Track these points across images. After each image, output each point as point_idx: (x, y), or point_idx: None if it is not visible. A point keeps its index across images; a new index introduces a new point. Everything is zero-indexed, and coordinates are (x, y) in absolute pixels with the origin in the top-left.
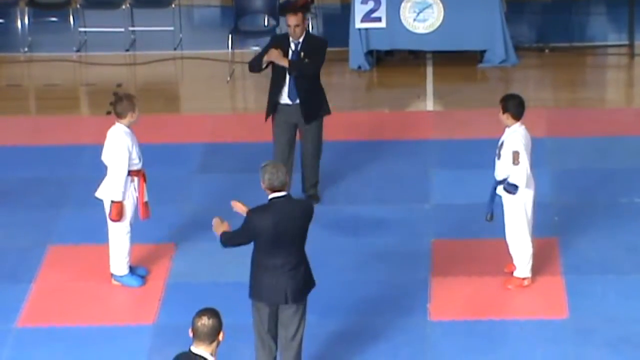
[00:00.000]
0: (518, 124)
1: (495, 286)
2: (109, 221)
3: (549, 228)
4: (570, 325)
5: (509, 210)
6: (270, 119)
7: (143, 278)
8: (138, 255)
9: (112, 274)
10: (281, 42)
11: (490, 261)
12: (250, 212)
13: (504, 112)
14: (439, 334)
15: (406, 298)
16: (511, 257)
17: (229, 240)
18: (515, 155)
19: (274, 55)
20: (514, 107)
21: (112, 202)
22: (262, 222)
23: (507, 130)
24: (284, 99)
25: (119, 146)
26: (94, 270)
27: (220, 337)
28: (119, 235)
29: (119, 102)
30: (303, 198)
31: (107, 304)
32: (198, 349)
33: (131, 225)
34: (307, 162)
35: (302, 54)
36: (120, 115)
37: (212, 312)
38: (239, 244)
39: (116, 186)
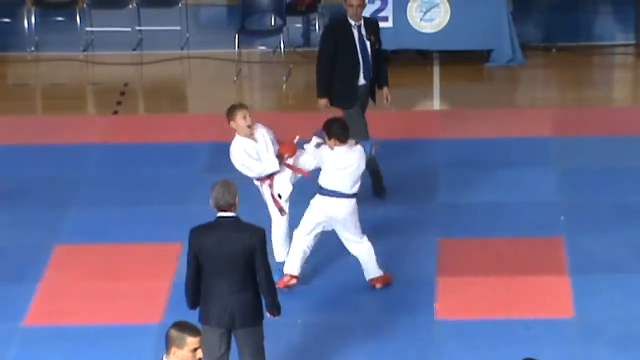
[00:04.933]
0: (342, 147)
1: (501, 285)
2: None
3: (556, 227)
4: (577, 324)
5: None
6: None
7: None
8: (145, 255)
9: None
10: (342, 30)
11: (497, 260)
12: (192, 231)
13: (329, 138)
14: (445, 332)
15: (412, 297)
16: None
17: (187, 274)
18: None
19: None
20: (339, 129)
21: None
22: (203, 239)
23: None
24: (361, 80)
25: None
26: (100, 270)
27: (172, 352)
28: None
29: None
30: (254, 224)
31: (113, 303)
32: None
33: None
34: None
35: (372, 37)
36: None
37: (175, 324)
38: (192, 271)
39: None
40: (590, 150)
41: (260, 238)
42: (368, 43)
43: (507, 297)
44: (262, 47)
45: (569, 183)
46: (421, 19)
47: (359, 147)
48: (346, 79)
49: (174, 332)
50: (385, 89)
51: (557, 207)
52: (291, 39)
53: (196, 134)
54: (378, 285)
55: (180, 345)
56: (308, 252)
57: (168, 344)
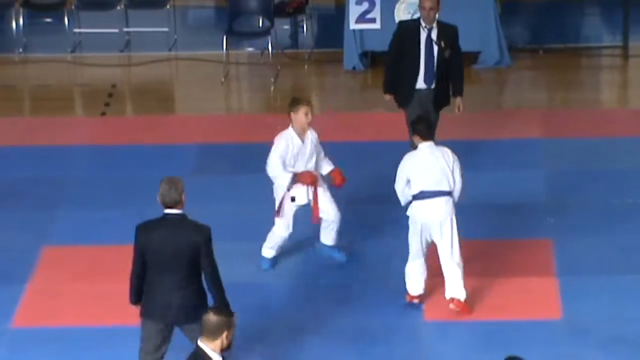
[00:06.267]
0: (426, 143)
1: (489, 287)
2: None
3: (543, 229)
4: (564, 326)
5: None
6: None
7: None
8: (132, 256)
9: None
10: (410, 30)
11: (485, 262)
12: (138, 227)
13: (413, 134)
14: (433, 334)
15: (402, 298)
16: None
17: (132, 269)
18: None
19: None
20: (423, 127)
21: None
22: (148, 235)
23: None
24: (420, 84)
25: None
26: (88, 271)
27: (224, 336)
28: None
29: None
30: (200, 222)
31: (101, 305)
32: (202, 342)
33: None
34: None
35: (442, 43)
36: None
37: (220, 310)
38: (137, 267)
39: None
40: (578, 152)
41: (206, 235)
42: (436, 48)
43: (495, 298)
44: (250, 49)
45: (557, 185)
46: None
47: (447, 149)
48: (405, 79)
49: (220, 319)
50: (457, 99)
51: (545, 208)
52: (279, 41)
53: (184, 135)
54: (452, 306)
55: (230, 327)
56: (425, 269)
57: (215, 331)
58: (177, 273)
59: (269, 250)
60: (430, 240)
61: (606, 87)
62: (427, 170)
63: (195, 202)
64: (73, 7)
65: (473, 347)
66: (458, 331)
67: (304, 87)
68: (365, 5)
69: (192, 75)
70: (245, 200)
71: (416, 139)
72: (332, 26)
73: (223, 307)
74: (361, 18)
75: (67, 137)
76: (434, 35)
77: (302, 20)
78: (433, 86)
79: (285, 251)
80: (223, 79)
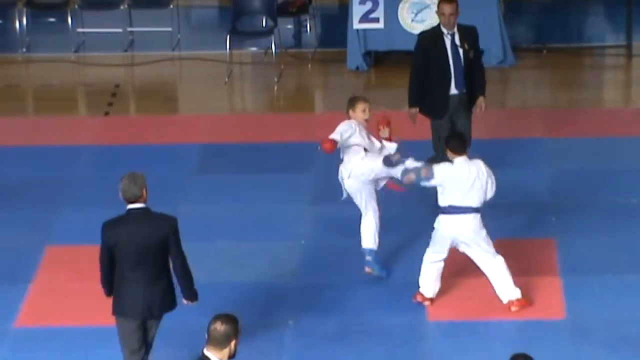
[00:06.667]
0: (461, 158)
1: (493, 286)
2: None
3: (547, 228)
4: (568, 326)
5: None
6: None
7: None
8: None
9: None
10: (433, 39)
11: None
12: (104, 224)
13: (447, 149)
14: (437, 334)
15: (405, 298)
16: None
17: (100, 264)
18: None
19: None
20: (455, 141)
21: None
22: (115, 231)
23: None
24: (453, 90)
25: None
26: (92, 271)
27: (233, 344)
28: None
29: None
30: (165, 213)
31: (105, 304)
32: (209, 352)
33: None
34: None
35: (466, 45)
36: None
37: (228, 319)
38: (105, 264)
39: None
40: (581, 152)
41: (173, 226)
42: (461, 51)
43: (498, 298)
44: (253, 49)
45: (560, 184)
46: (412, 20)
47: (479, 161)
48: (437, 88)
49: (229, 327)
50: (480, 98)
51: (548, 208)
52: (282, 40)
53: (187, 135)
54: (514, 309)
55: (238, 334)
56: (441, 271)
57: (224, 340)
58: (149, 267)
59: (375, 240)
60: (454, 247)
61: (610, 86)
62: (459, 186)
63: (199, 201)
64: (76, 6)
65: (476, 347)
66: (462, 331)
67: (308, 86)
68: (369, 5)
69: (196, 74)
70: (249, 199)
71: (450, 154)
72: (335, 26)
73: (228, 314)
74: (364, 18)
75: (71, 136)
76: (457, 40)
77: (306, 20)
78: (465, 90)
79: (285, 251)
80: (226, 79)
